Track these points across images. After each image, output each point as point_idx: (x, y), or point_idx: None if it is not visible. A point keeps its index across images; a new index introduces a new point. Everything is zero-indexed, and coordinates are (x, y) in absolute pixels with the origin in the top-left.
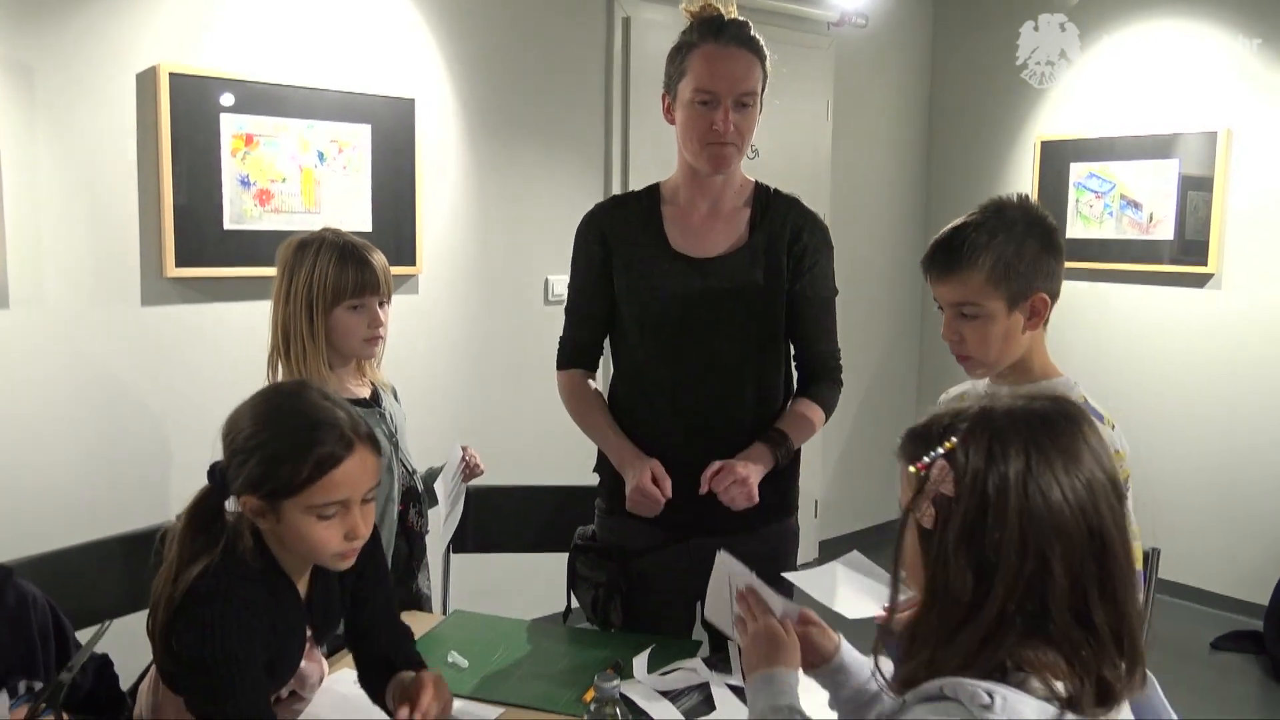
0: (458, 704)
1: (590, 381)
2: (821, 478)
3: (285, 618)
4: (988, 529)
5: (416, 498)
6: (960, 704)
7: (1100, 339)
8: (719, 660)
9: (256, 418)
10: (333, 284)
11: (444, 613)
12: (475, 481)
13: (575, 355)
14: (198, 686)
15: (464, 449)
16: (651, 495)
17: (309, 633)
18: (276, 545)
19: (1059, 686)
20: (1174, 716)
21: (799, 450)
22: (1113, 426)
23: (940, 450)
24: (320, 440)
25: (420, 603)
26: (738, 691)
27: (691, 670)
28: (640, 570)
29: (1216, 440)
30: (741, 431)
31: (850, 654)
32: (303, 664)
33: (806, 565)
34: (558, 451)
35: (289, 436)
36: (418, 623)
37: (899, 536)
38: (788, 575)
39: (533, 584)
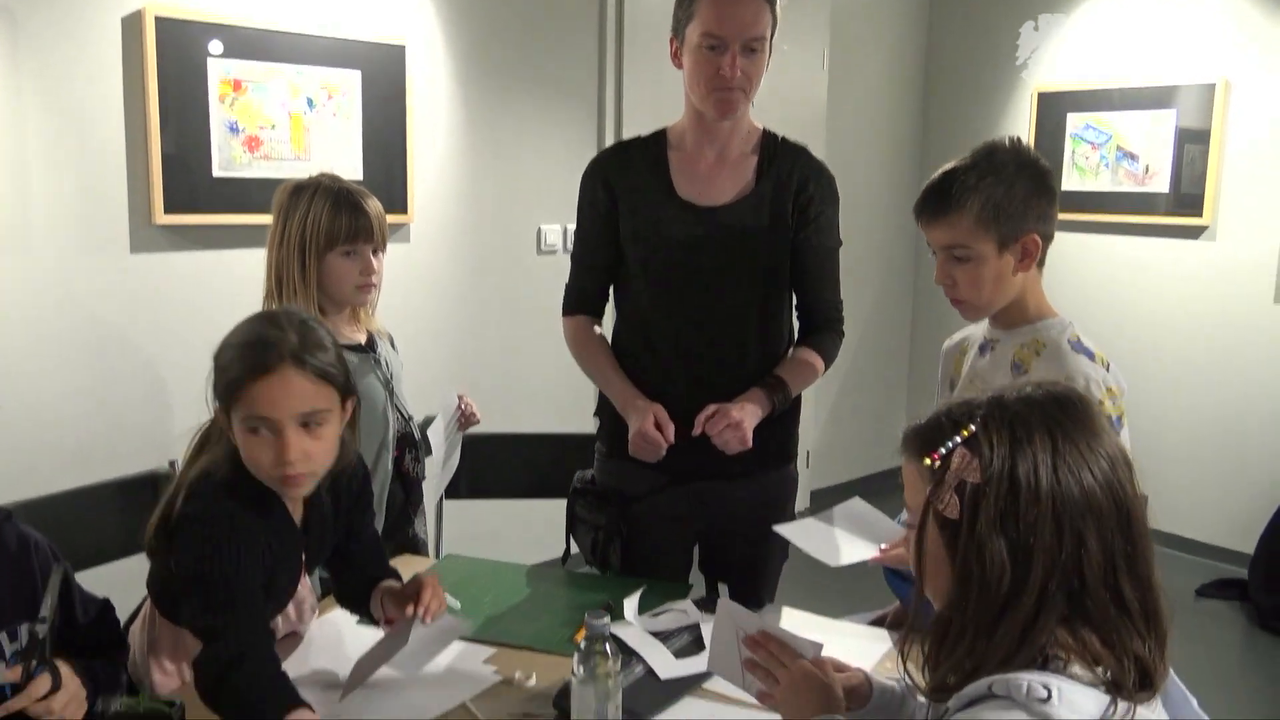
0: (453, 647)
1: (595, 327)
2: (813, 427)
3: (280, 538)
4: (1021, 511)
5: (412, 444)
6: (1014, 701)
7: (1094, 290)
8: (710, 602)
9: (232, 334)
10: (326, 229)
11: (437, 557)
12: (469, 429)
13: (580, 302)
14: (197, 603)
15: (460, 397)
16: (654, 440)
17: (303, 557)
18: None
19: (1100, 670)
20: (1201, 715)
21: (799, 398)
22: (1106, 366)
23: (957, 439)
24: (254, 354)
25: (416, 547)
26: None
27: (682, 612)
28: (639, 514)
29: (1207, 390)
30: (744, 378)
31: (880, 685)
32: (300, 588)
33: (799, 515)
34: (550, 400)
35: (238, 347)
36: (412, 566)
37: (918, 538)
38: (780, 528)
39: (528, 530)
